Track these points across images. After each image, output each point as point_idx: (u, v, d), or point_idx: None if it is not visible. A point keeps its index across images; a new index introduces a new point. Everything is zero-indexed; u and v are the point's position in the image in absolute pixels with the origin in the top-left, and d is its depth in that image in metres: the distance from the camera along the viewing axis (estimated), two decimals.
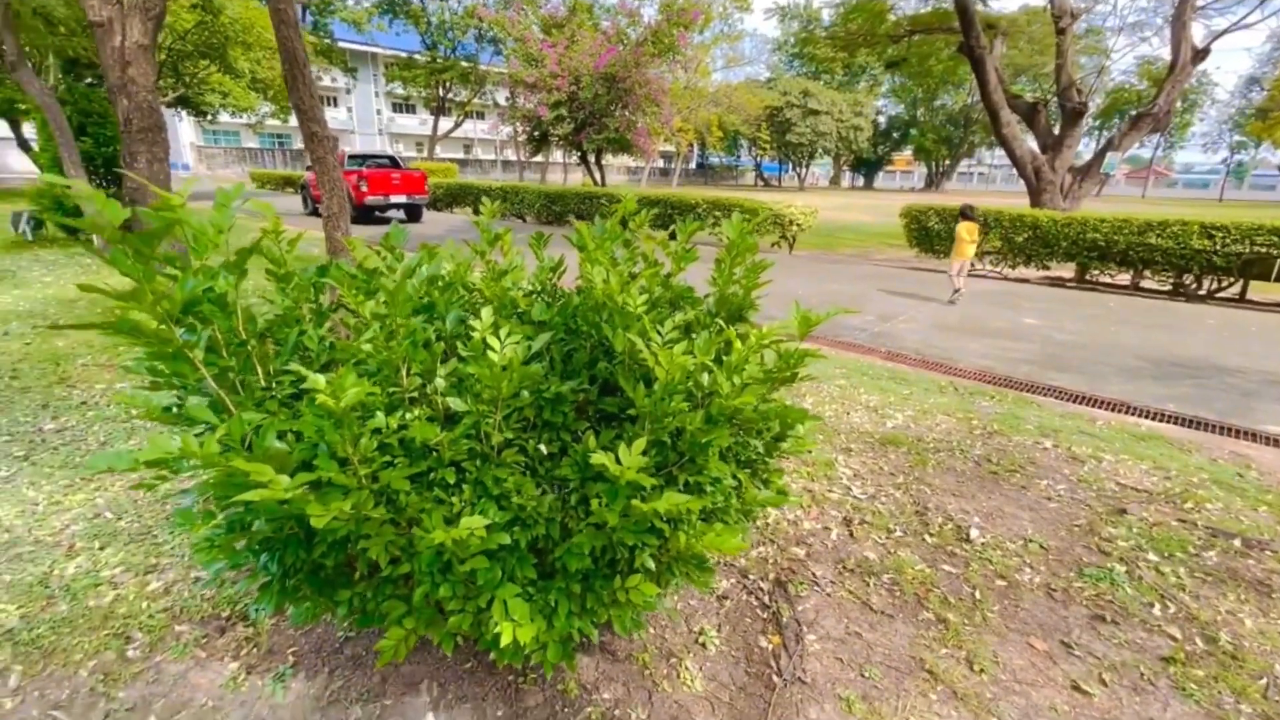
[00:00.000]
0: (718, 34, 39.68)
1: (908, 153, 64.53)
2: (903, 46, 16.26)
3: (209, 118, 23.44)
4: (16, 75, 9.72)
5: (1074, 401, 4.60)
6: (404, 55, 38.21)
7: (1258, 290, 9.08)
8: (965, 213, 8.27)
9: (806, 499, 3.09)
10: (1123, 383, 5.04)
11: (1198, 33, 11.48)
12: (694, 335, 1.61)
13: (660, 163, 63.67)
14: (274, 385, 1.42)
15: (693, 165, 68.36)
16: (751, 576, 2.49)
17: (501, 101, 36.34)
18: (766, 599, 2.37)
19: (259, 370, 1.43)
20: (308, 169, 20.43)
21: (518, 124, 21.72)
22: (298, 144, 38.20)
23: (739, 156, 64.71)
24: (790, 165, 56.44)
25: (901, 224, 11.69)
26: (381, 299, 1.39)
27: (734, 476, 1.63)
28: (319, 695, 1.89)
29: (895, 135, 61.14)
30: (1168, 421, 4.24)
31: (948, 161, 58.76)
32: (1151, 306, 8.42)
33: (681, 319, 1.47)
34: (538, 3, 20.63)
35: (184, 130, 39.67)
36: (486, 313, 1.37)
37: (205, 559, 1.34)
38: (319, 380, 1.14)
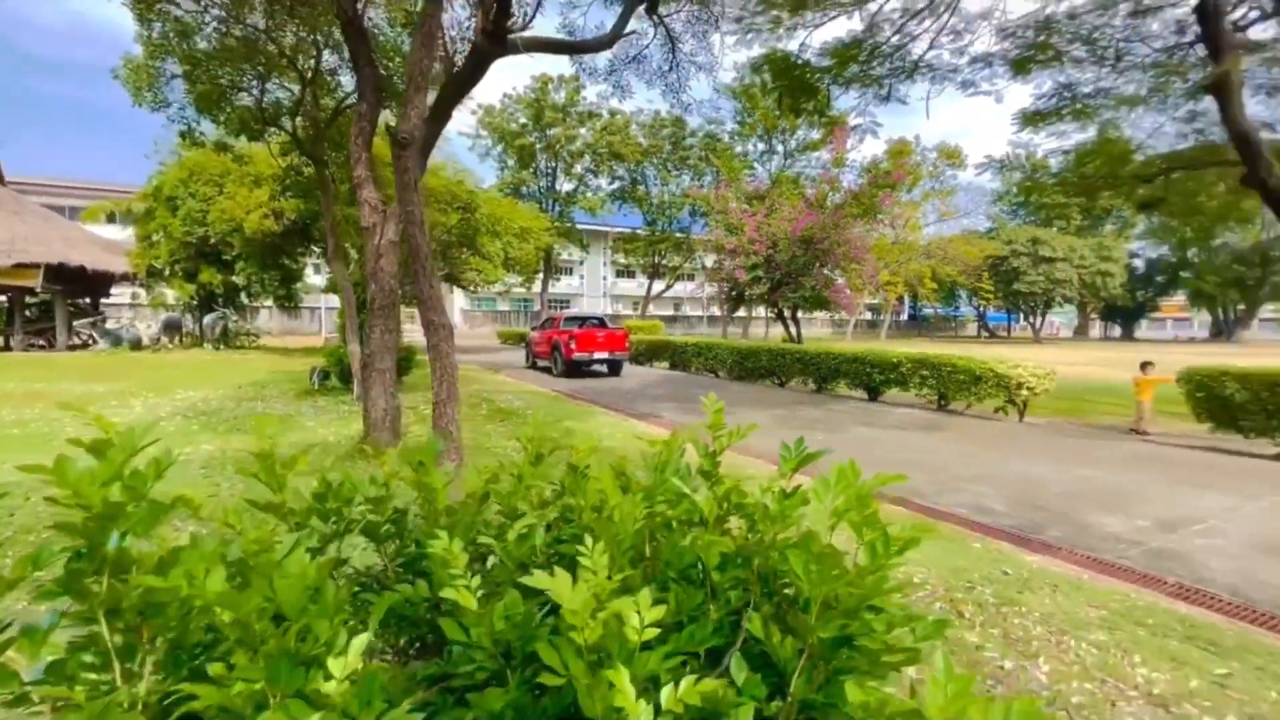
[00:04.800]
0: (928, 190, 39.14)
1: (1181, 298, 54.38)
2: (1159, 186, 13.95)
3: (471, 289, 28.66)
4: (332, 265, 12.77)
5: None
6: (628, 231, 44.11)
7: None
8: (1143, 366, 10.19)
9: None
10: None
11: None
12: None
13: (868, 315, 61.93)
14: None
15: (904, 316, 65.31)
16: None
17: (708, 264, 39.26)
18: None
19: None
20: (531, 329, 23.39)
21: (719, 284, 22.86)
22: (537, 306, 44.88)
23: (957, 306, 60.35)
24: (1021, 315, 50.81)
25: (1182, 391, 9.14)
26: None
27: None
28: None
29: (1160, 280, 52.25)
30: None
31: (1242, 307, 48.05)
32: None
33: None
34: (742, 180, 22.32)
35: (456, 299, 49.14)
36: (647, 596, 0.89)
37: None
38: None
